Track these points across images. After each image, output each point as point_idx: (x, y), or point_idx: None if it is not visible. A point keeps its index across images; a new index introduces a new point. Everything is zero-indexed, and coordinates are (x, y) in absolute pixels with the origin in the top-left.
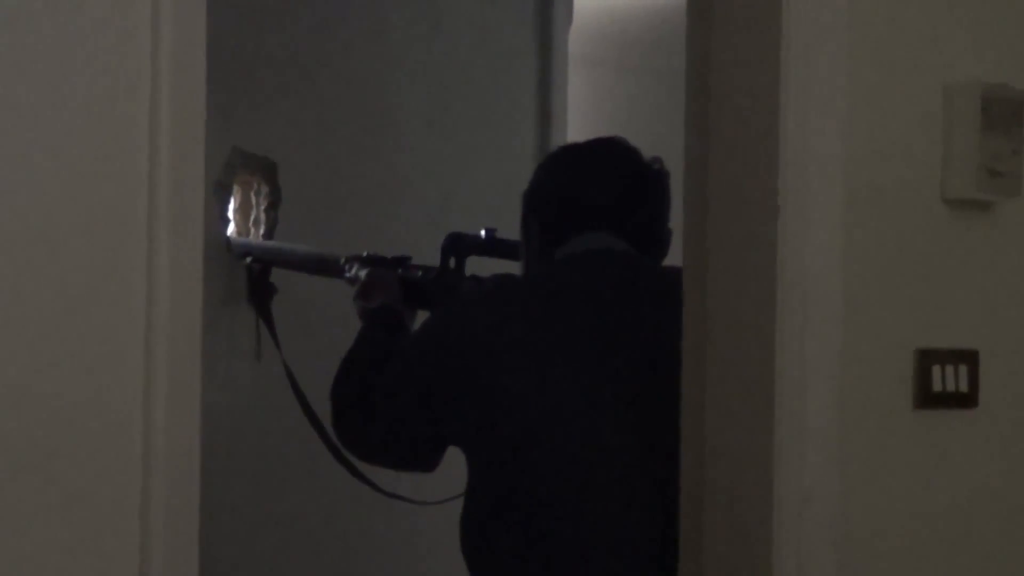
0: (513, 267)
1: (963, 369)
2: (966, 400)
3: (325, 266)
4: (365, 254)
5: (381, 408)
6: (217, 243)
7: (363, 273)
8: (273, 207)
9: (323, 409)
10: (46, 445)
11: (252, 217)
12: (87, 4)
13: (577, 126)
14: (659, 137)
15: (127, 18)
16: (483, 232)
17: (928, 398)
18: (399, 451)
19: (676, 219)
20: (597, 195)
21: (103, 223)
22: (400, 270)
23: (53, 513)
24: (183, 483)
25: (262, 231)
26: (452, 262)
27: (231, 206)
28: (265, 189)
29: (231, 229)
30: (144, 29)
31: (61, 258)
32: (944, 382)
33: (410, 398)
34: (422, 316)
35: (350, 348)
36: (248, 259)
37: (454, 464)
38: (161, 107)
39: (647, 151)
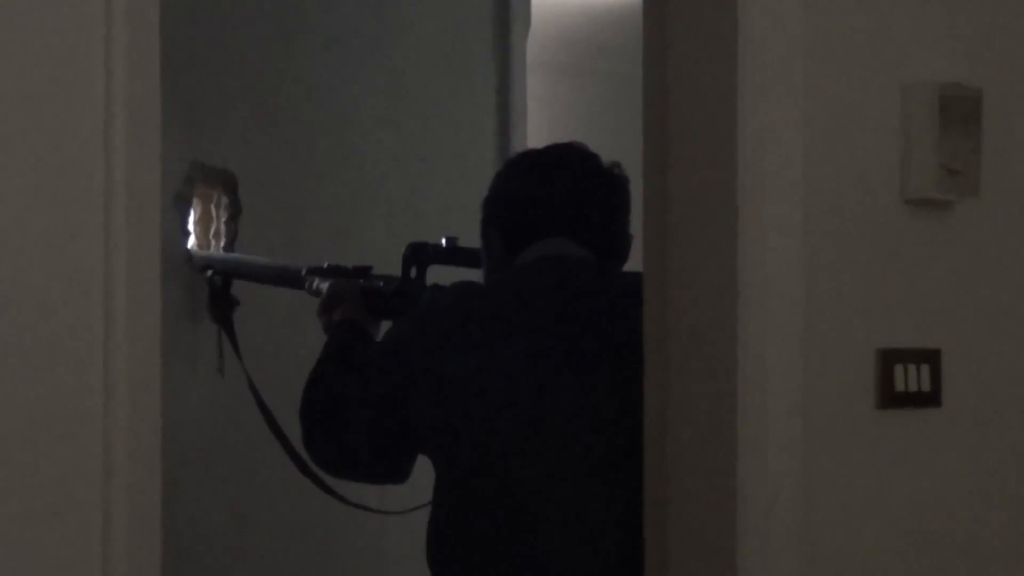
0: (475, 275)
1: (925, 368)
2: (929, 399)
3: (287, 278)
4: (326, 265)
5: (350, 421)
6: (178, 256)
7: (325, 286)
8: (233, 219)
9: (287, 422)
10: (4, 464)
11: (212, 230)
12: (39, 18)
13: (536, 132)
14: (618, 142)
15: (80, 29)
16: (444, 240)
17: (891, 398)
18: (370, 463)
19: (636, 224)
20: (556, 201)
21: (59, 238)
22: (361, 280)
23: (13, 533)
24: (145, 499)
25: (223, 243)
26: (413, 271)
27: (191, 219)
28: (225, 201)
29: (191, 242)
30: (98, 41)
31: (15, 274)
32: (907, 382)
33: (377, 409)
34: (385, 327)
35: (315, 364)
36: (209, 272)
37: (419, 474)
38: (116, 121)
39: (606, 156)
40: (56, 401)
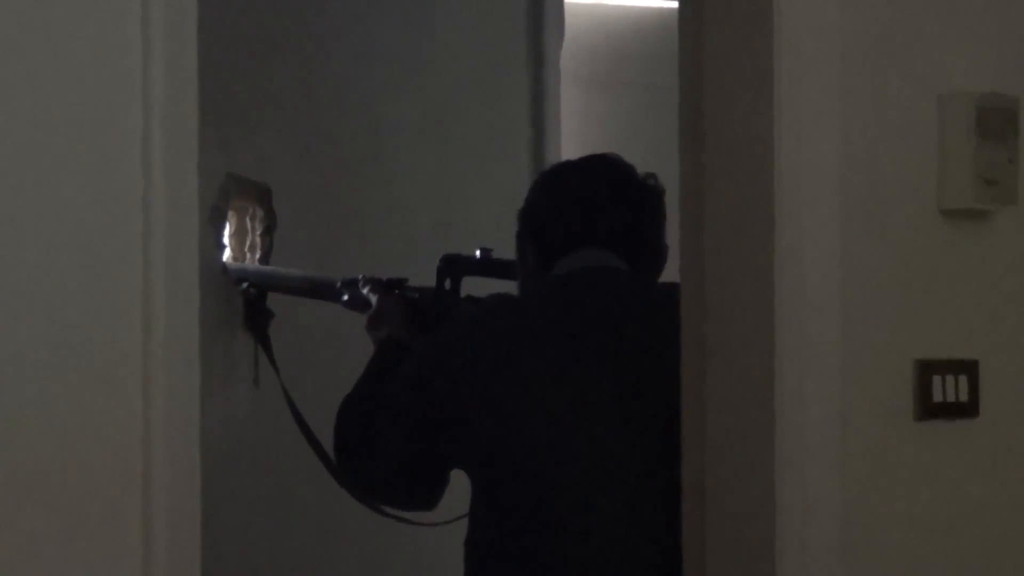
0: (509, 287)
1: (963, 379)
2: (967, 410)
3: (321, 290)
4: (361, 277)
5: (382, 437)
6: (213, 269)
7: (375, 298)
8: (268, 232)
9: (323, 433)
10: (46, 475)
11: (248, 243)
12: (78, 33)
13: (571, 143)
14: (653, 153)
15: (118, 45)
16: (478, 252)
17: (928, 409)
18: (400, 484)
19: (672, 235)
20: (592, 212)
21: (98, 251)
22: (396, 292)
23: (54, 542)
24: (184, 510)
25: (258, 256)
26: (448, 283)
27: (227, 232)
28: (260, 214)
29: (227, 255)
30: (135, 56)
31: (56, 287)
32: (944, 392)
33: (411, 422)
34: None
35: (355, 384)
36: (244, 285)
37: (457, 484)
38: (154, 135)
39: (641, 167)
40: (96, 414)
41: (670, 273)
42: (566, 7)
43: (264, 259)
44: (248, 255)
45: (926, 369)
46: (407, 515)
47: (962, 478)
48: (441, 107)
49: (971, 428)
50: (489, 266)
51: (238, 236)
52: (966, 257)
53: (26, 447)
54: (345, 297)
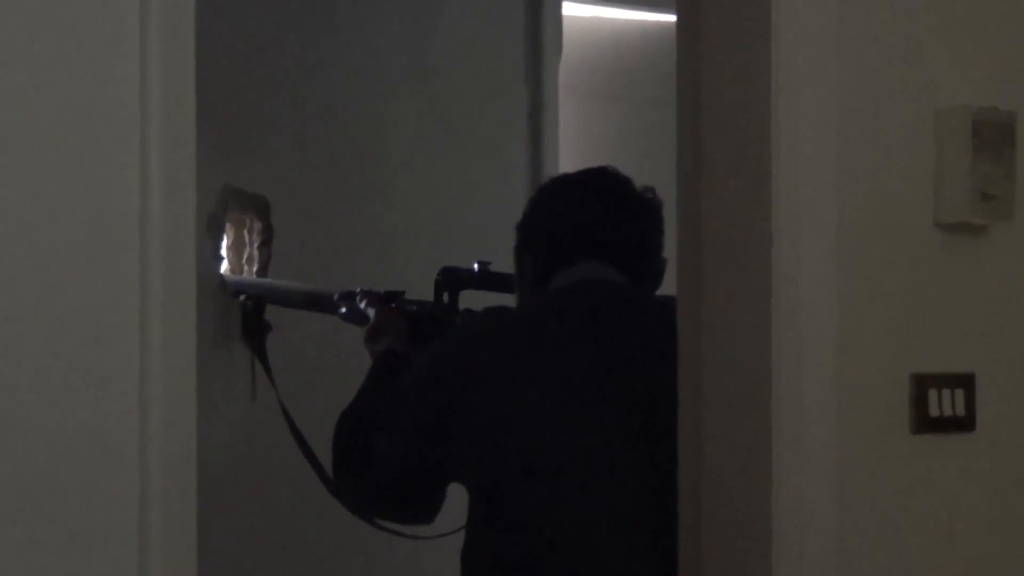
0: (507, 300)
1: (960, 393)
2: (963, 424)
3: (319, 302)
4: (359, 290)
5: (381, 450)
6: (211, 281)
7: (372, 311)
8: (266, 244)
9: (319, 446)
10: (42, 487)
11: (245, 255)
12: (74, 42)
13: (569, 156)
14: (651, 166)
15: (116, 57)
16: (476, 265)
17: (925, 423)
18: (398, 497)
19: (670, 248)
20: (590, 225)
21: (95, 263)
22: (393, 305)
23: (51, 555)
24: (180, 523)
25: (255, 268)
26: (445, 296)
27: (224, 244)
28: (258, 226)
29: (224, 267)
30: (133, 68)
31: (53, 299)
32: (941, 406)
33: (409, 435)
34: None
35: (353, 397)
36: (242, 297)
37: (451, 499)
38: (151, 146)
39: (639, 181)
40: (93, 427)
41: (668, 286)
42: (564, 20)
43: (262, 271)
44: (246, 267)
45: (923, 383)
46: (404, 529)
47: (959, 492)
48: (439, 120)
49: (967, 442)
50: (487, 279)
51: (236, 248)
52: (963, 271)
53: (22, 461)
54: (343, 310)
